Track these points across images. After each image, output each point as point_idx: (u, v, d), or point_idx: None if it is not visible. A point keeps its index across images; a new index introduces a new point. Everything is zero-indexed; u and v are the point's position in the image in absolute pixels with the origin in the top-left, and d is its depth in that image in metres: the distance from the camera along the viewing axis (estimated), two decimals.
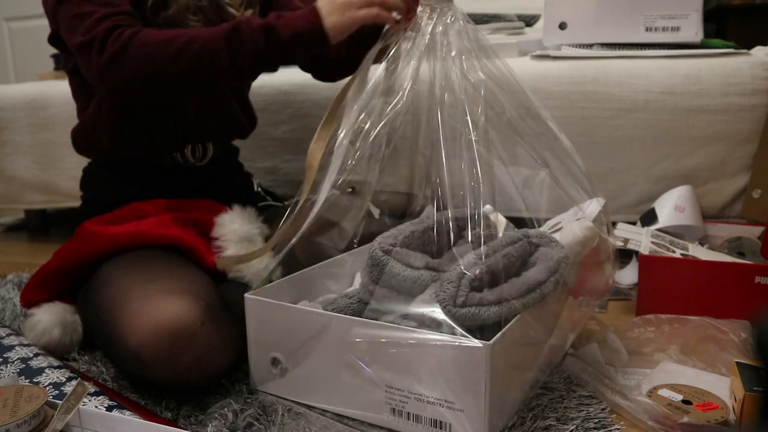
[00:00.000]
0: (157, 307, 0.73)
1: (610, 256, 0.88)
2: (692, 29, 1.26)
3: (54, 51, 1.91)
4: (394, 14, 0.85)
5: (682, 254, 1.06)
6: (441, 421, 0.66)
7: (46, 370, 0.76)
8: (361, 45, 1.06)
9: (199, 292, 0.77)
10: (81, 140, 1.00)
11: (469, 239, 0.74)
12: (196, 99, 0.99)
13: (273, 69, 0.90)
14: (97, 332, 0.85)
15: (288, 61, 0.88)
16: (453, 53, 0.81)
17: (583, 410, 0.73)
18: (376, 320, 0.70)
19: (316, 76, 1.16)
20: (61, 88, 1.59)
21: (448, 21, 0.82)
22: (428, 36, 0.83)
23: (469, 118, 0.76)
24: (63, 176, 1.60)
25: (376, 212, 0.90)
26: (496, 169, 0.79)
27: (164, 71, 0.83)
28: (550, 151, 0.84)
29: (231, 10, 0.99)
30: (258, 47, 0.83)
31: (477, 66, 0.81)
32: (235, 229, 0.92)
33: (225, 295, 0.83)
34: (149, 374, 0.73)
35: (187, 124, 0.99)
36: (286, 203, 1.20)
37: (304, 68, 1.15)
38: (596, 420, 0.71)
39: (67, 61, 0.99)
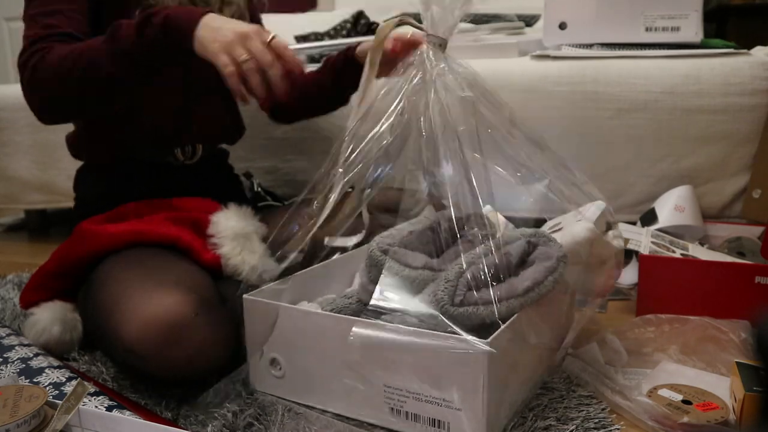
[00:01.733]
0: (150, 300, 0.73)
1: (612, 257, 0.88)
2: (692, 29, 1.26)
3: None
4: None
5: (682, 254, 1.06)
6: (440, 420, 0.66)
7: (46, 370, 0.76)
8: (311, 105, 1.14)
9: (192, 284, 0.77)
10: (76, 145, 1.02)
11: (468, 239, 0.74)
12: (180, 102, 0.99)
13: (165, 64, 0.84)
14: (95, 330, 0.85)
15: (156, 59, 0.82)
16: (444, 74, 0.82)
17: (583, 410, 0.73)
18: (375, 320, 0.70)
19: (270, 116, 1.23)
20: None
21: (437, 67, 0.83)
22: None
23: (462, 129, 0.77)
24: (63, 176, 1.60)
25: (366, 217, 0.91)
26: (497, 177, 0.80)
27: (64, 89, 0.83)
28: (548, 161, 0.84)
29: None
30: (129, 40, 0.80)
31: (467, 83, 0.82)
32: (230, 227, 0.92)
33: (221, 291, 0.83)
34: (145, 368, 0.73)
35: (173, 129, 1.00)
36: (286, 203, 1.21)
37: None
38: (596, 420, 0.71)
39: None
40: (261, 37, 0.78)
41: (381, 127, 0.81)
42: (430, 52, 0.83)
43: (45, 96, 0.86)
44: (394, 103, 0.82)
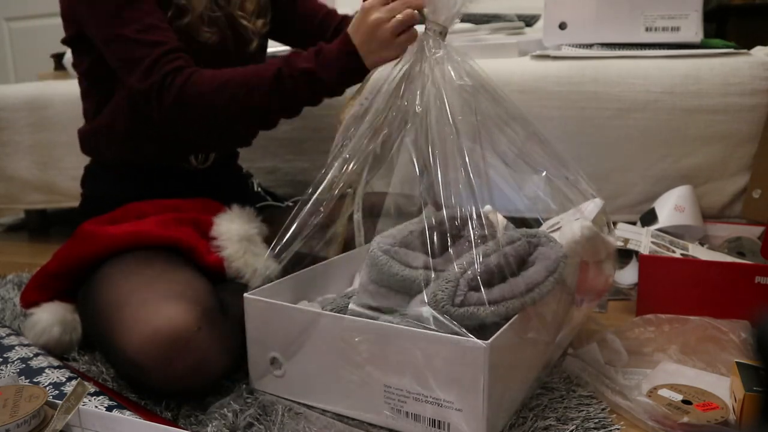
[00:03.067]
0: (153, 313, 0.73)
1: (610, 255, 0.88)
2: (692, 29, 1.26)
3: (54, 51, 1.92)
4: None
5: (682, 254, 1.06)
6: (440, 421, 0.66)
7: (46, 370, 0.76)
8: None
9: (195, 296, 0.77)
10: (90, 143, 1.01)
11: (468, 239, 0.74)
12: None
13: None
14: (96, 336, 0.85)
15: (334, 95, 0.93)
16: (443, 62, 0.82)
17: (583, 410, 0.73)
18: (375, 320, 0.70)
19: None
20: (61, 88, 1.59)
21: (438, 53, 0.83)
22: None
23: (459, 119, 0.77)
24: (63, 176, 1.60)
25: (359, 222, 0.91)
26: (494, 169, 0.79)
27: (218, 117, 0.89)
28: (546, 156, 0.84)
29: (243, 21, 1.00)
30: (303, 94, 0.89)
31: (465, 72, 0.82)
32: (233, 229, 0.92)
33: (223, 296, 0.83)
34: (147, 380, 0.73)
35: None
36: (286, 203, 1.21)
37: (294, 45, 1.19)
38: (596, 420, 0.71)
39: (80, 63, 0.99)
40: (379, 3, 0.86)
41: (381, 117, 0.81)
42: (430, 40, 0.82)
43: (196, 122, 0.89)
44: (392, 91, 0.82)
